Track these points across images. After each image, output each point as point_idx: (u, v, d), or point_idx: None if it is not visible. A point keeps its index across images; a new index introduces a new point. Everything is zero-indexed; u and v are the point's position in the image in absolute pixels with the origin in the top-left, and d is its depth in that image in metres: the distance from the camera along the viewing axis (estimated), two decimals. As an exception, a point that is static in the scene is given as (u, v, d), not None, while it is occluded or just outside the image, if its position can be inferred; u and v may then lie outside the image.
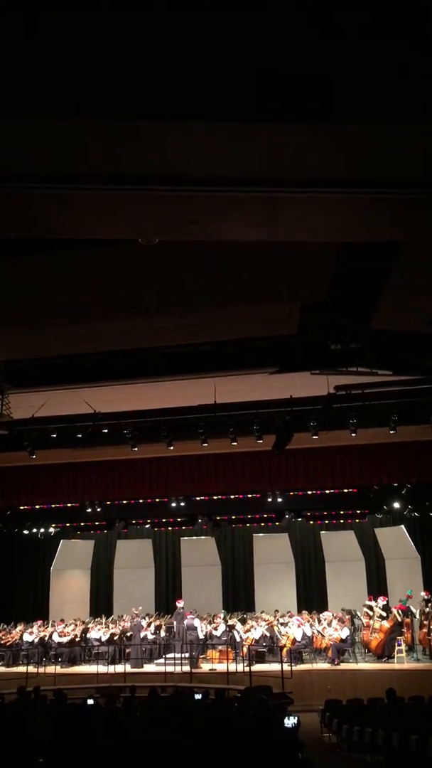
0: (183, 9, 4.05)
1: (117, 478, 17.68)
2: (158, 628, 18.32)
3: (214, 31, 4.12)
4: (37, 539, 21.57)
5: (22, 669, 16.52)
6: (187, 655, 16.35)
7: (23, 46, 4.19)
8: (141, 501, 18.65)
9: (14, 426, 12.47)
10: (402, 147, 4.90)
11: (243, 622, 18.04)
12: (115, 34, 4.17)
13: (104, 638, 17.62)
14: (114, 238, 6.78)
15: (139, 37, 4.17)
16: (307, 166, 5.15)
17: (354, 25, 4.09)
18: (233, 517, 20.63)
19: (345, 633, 16.26)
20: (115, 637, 17.57)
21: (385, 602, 17.63)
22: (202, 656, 16.91)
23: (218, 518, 20.56)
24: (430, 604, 16.97)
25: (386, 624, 16.56)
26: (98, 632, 17.95)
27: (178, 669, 16.03)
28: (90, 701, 10.91)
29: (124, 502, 18.78)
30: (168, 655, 16.88)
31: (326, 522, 21.11)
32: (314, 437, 14.17)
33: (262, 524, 21.29)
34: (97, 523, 20.43)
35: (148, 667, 16.88)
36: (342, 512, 19.81)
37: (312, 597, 21.01)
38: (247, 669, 15.37)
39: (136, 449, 15.21)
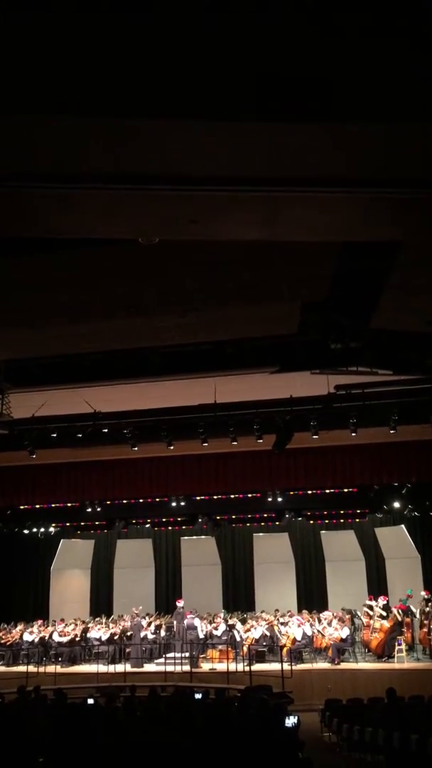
0: (183, 9, 4.05)
1: (117, 478, 17.68)
2: (158, 627, 18.32)
3: (214, 31, 4.12)
4: (37, 539, 21.57)
5: (22, 668, 16.51)
6: (187, 654, 16.35)
7: (24, 45, 4.19)
8: (141, 500, 18.65)
9: (14, 425, 12.47)
10: (402, 146, 4.90)
11: (243, 621, 18.04)
12: (115, 34, 4.17)
13: (104, 638, 17.62)
14: (114, 238, 6.78)
15: (139, 37, 4.17)
16: (307, 166, 5.16)
17: (354, 25, 4.09)
18: (233, 516, 20.63)
19: (345, 632, 16.26)
20: (116, 637, 17.58)
21: (385, 602, 17.62)
22: (202, 656, 16.91)
23: (218, 518, 20.56)
24: (430, 604, 16.96)
25: (386, 623, 16.56)
26: (98, 632, 17.95)
27: (178, 668, 16.02)
28: (90, 701, 10.92)
29: (125, 501, 18.78)
30: (168, 655, 16.88)
31: (326, 521, 21.10)
32: (314, 437, 14.16)
33: (263, 524, 21.28)
34: (97, 523, 20.42)
35: (149, 667, 16.89)
36: (342, 512, 19.80)
37: (312, 596, 20.99)
38: (247, 668, 15.36)
39: (136, 449, 15.21)
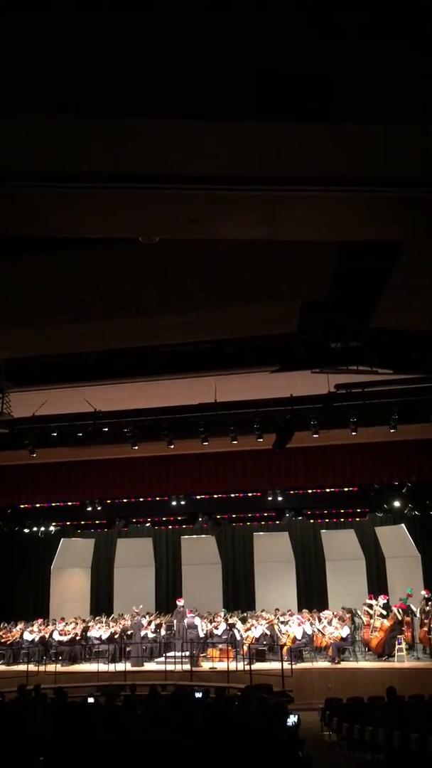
0: (183, 9, 4.05)
1: (117, 477, 17.69)
2: (158, 626, 18.33)
3: (214, 31, 4.12)
4: (37, 538, 21.58)
5: (22, 667, 16.52)
6: (187, 653, 16.36)
7: (24, 45, 4.19)
8: (141, 499, 18.67)
9: (15, 424, 12.46)
10: (402, 146, 4.90)
11: (243, 620, 18.05)
12: (115, 34, 4.17)
13: (105, 637, 17.63)
14: (114, 237, 6.78)
15: (139, 37, 4.17)
16: (307, 165, 5.16)
17: (354, 25, 4.09)
18: (233, 515, 20.68)
19: (345, 631, 16.27)
20: (116, 636, 17.59)
21: (385, 601, 17.62)
22: (202, 655, 16.92)
23: (218, 517, 20.59)
24: (430, 603, 16.97)
25: (386, 623, 16.57)
26: (99, 631, 17.96)
27: (178, 667, 16.03)
28: (90, 699, 10.93)
29: (125, 500, 18.80)
30: (168, 654, 16.90)
31: (327, 520, 21.13)
32: (315, 436, 14.16)
33: (263, 523, 21.33)
34: (97, 522, 20.45)
35: (149, 666, 16.90)
36: (342, 511, 19.83)
37: (312, 595, 21.00)
38: (247, 667, 15.37)
39: (136, 448, 15.21)
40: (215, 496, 18.57)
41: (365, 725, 9.92)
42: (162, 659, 16.80)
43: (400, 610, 16.75)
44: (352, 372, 10.72)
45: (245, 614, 19.12)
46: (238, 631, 17.01)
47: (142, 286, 8.23)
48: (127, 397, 12.71)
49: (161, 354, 10.80)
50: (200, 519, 20.42)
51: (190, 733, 8.14)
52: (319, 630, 16.77)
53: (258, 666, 15.69)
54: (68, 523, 20.98)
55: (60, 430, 14.18)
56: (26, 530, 20.99)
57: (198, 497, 18.63)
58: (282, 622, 17.37)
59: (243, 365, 11.03)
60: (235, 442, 14.74)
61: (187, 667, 16.01)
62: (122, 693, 11.95)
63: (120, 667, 16.49)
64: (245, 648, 16.32)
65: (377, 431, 14.42)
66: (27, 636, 18.05)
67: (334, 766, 10.35)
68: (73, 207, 5.76)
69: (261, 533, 21.87)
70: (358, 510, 19.69)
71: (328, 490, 17.67)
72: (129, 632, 17.73)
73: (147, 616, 18.71)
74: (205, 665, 16.52)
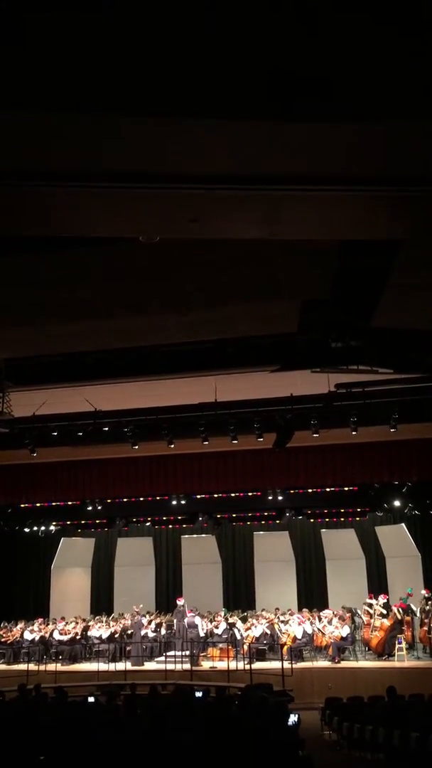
0: (183, 8, 4.05)
1: (118, 476, 17.70)
2: (159, 625, 18.33)
3: (214, 30, 4.12)
4: (37, 537, 21.59)
5: (23, 667, 16.52)
6: (187, 652, 16.35)
7: (25, 45, 4.19)
8: (142, 499, 18.67)
9: (15, 424, 12.46)
10: (402, 145, 4.90)
11: (243, 619, 18.05)
12: (115, 33, 4.17)
13: (105, 636, 17.63)
14: (115, 236, 6.78)
15: (139, 37, 4.17)
16: (308, 165, 5.15)
17: (354, 24, 4.09)
18: (234, 515, 20.70)
19: (345, 631, 16.27)
20: (116, 635, 17.59)
21: (385, 600, 17.62)
22: (202, 654, 16.92)
23: (219, 516, 20.60)
24: (430, 602, 16.97)
25: (387, 622, 16.57)
26: (99, 630, 17.95)
27: (178, 667, 16.03)
28: (91, 699, 10.94)
29: (125, 500, 18.80)
30: (168, 653, 16.90)
31: (327, 520, 21.13)
32: (315, 435, 14.17)
33: (263, 522, 21.34)
34: (97, 521, 20.46)
35: (149, 665, 16.89)
36: (342, 510, 19.84)
37: (312, 595, 20.99)
38: (247, 667, 15.38)
39: (136, 447, 15.22)
40: (215, 495, 18.58)
41: (365, 724, 9.92)
42: (162, 658, 16.80)
43: (400, 610, 16.75)
44: (353, 371, 10.71)
45: (245, 613, 19.10)
46: (239, 630, 17.02)
47: (143, 286, 8.23)
48: (128, 397, 12.72)
49: (162, 353, 10.79)
50: (200, 518, 20.42)
51: (190, 732, 8.14)
52: (319, 629, 16.78)
53: (258, 665, 15.70)
54: (68, 523, 21.00)
55: (60, 429, 14.19)
56: (26, 530, 21.00)
57: (198, 497, 18.63)
58: (282, 622, 17.37)
59: (243, 365, 11.03)
60: (235, 442, 14.74)
61: (187, 666, 16.01)
62: (122, 692, 11.97)
63: (120, 666, 16.49)
64: (245, 647, 16.32)
65: (377, 431, 14.43)
66: (27, 635, 18.05)
67: (334, 765, 10.35)
68: (74, 206, 5.75)
69: (261, 532, 21.87)
70: (359, 509, 19.70)
71: (328, 489, 17.69)
72: (129, 632, 17.73)
73: (147, 616, 18.71)
74: (206, 664, 16.52)
